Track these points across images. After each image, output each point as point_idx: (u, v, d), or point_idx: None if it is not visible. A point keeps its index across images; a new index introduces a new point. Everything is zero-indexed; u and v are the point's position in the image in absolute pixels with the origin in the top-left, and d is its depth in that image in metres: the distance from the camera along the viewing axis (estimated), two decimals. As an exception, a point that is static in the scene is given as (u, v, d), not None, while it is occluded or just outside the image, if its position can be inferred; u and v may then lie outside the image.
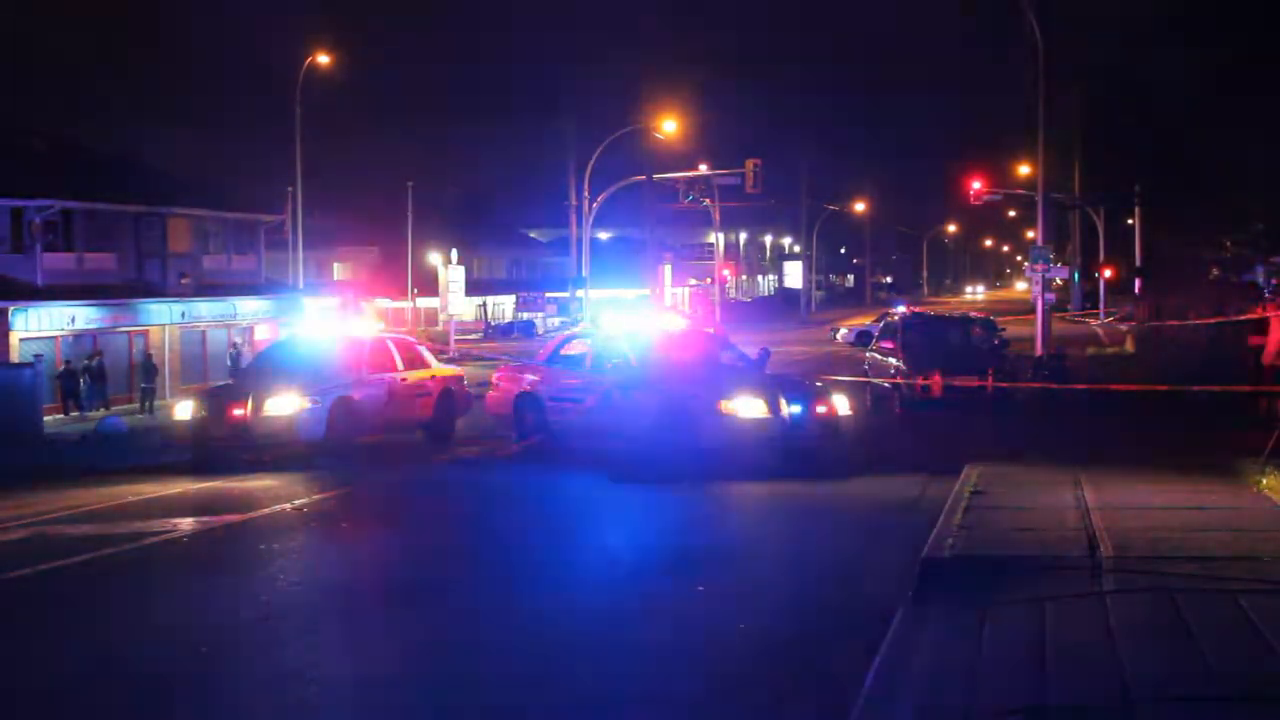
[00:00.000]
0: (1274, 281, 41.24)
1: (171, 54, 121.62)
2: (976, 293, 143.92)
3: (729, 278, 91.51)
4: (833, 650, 7.83)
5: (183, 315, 43.08)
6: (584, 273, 51.37)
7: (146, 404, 38.39)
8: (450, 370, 23.12)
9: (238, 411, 18.58)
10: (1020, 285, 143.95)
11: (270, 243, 50.77)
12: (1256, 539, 9.50)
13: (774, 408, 16.39)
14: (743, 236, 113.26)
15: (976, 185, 61.69)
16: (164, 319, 42.20)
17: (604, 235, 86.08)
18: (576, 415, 18.29)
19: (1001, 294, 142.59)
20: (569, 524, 13.19)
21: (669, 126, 50.59)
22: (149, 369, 39.41)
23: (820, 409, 16.91)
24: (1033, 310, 34.01)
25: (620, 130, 51.79)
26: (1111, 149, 41.25)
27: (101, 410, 36.23)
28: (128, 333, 40.98)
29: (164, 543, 12.17)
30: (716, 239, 79.10)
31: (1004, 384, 23.11)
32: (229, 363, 41.96)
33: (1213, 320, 24.53)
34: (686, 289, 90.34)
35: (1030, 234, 75.08)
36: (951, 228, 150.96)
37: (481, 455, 19.39)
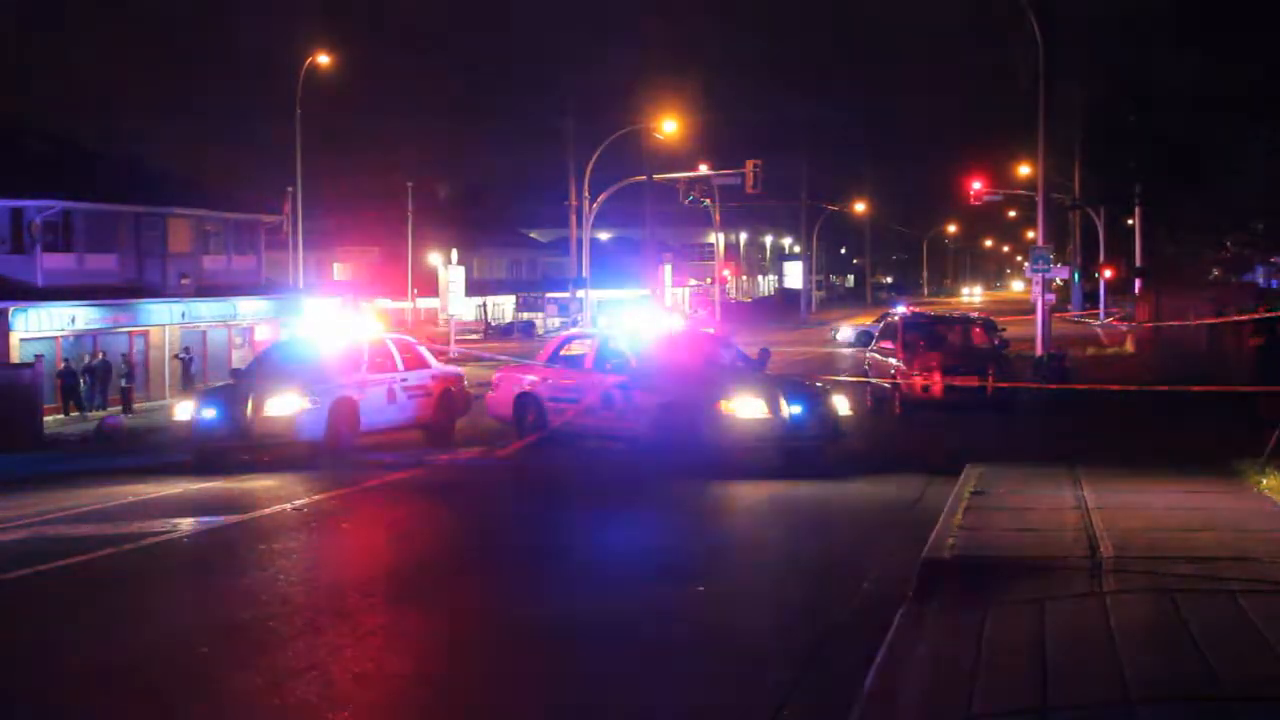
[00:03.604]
0: (1274, 282, 41.24)
1: (172, 55, 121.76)
2: (973, 294, 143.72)
3: (729, 278, 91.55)
4: (833, 650, 7.84)
5: (183, 315, 43.07)
6: (584, 273, 51.38)
7: (127, 404, 38.31)
8: (450, 370, 23.12)
9: (238, 411, 18.58)
10: (1018, 285, 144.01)
11: (270, 243, 50.78)
12: (1256, 539, 9.50)
13: (774, 408, 16.39)
14: (743, 236, 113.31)
15: (976, 185, 61.78)
16: (164, 319, 42.20)
17: (604, 235, 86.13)
18: (576, 415, 18.29)
19: (1000, 295, 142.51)
20: (568, 524, 13.18)
21: (669, 126, 50.62)
22: (124, 369, 39.31)
23: (820, 409, 16.91)
24: (1032, 310, 34.01)
25: (620, 130, 51.81)
26: (1111, 149, 41.20)
27: (101, 410, 36.23)
28: (128, 333, 40.98)
29: (164, 543, 12.17)
30: (716, 239, 79.11)
31: (1004, 384, 23.10)
32: (179, 358, 41.62)
33: (1213, 320, 24.54)
34: (686, 289, 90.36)
35: (1030, 234, 75.12)
36: (951, 228, 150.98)
37: (481, 455, 19.39)
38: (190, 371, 40.83)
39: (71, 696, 7.39)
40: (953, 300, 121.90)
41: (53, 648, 8.47)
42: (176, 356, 41.63)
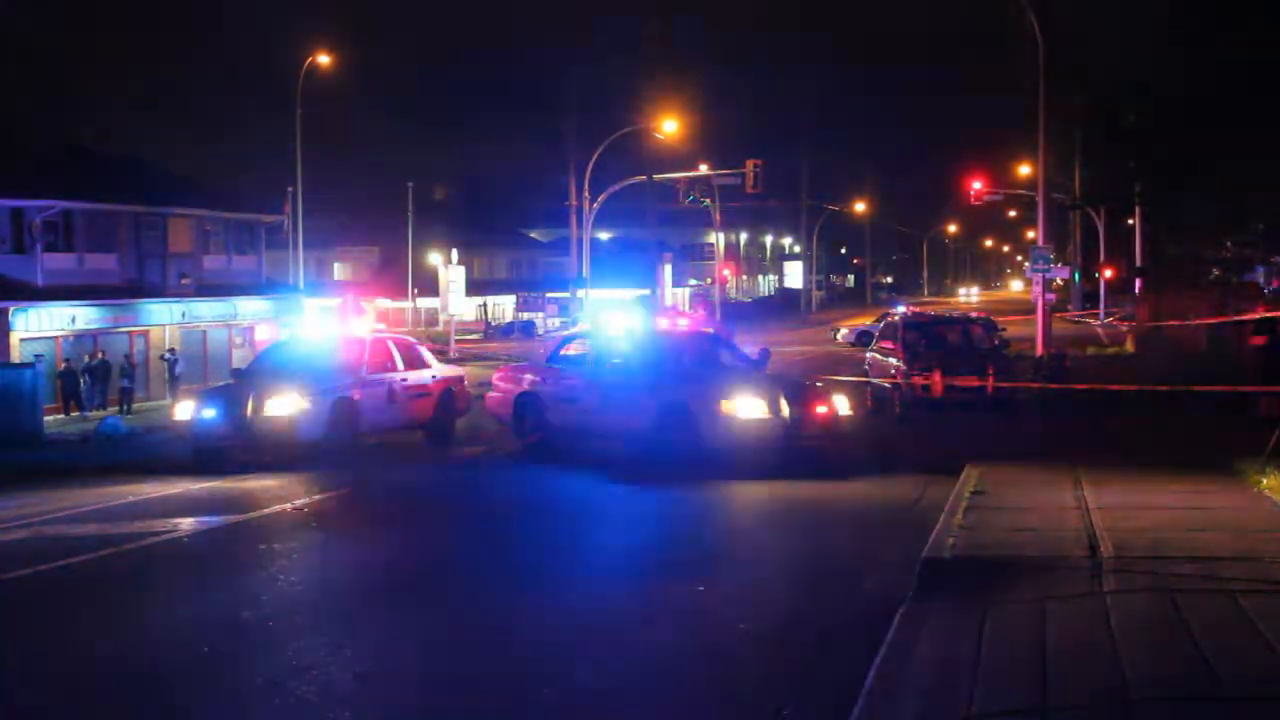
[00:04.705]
0: (1274, 283, 41.26)
1: (172, 54, 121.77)
2: (970, 294, 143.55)
3: (729, 278, 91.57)
4: (833, 650, 7.84)
5: (183, 315, 43.06)
6: (584, 273, 51.38)
7: (126, 404, 38.29)
8: (450, 370, 23.11)
9: (238, 411, 18.58)
10: (1017, 285, 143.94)
11: (270, 243, 50.82)
12: (1256, 539, 9.50)
13: (774, 408, 16.38)
14: (743, 236, 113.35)
15: (977, 185, 61.79)
16: (164, 319, 42.19)
17: (604, 235, 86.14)
18: (576, 415, 18.29)
19: (997, 294, 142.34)
20: (569, 524, 13.18)
21: (669, 126, 50.62)
22: (126, 369, 39.29)
23: (820, 409, 16.91)
24: (1032, 310, 34.00)
25: (620, 130, 51.83)
26: (1111, 149, 41.22)
27: (101, 410, 36.23)
28: (128, 333, 40.98)
29: (164, 543, 12.17)
30: (716, 239, 79.13)
31: (1004, 384, 23.09)
32: (164, 359, 41.49)
33: (1213, 320, 24.52)
34: (686, 289, 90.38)
35: (1030, 234, 75.13)
36: (952, 228, 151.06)
37: (481, 455, 19.38)
38: (176, 372, 40.66)
39: (72, 696, 7.39)
40: (952, 300, 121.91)
41: (53, 647, 8.47)
42: (162, 357, 41.43)
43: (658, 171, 54.46)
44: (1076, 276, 70.75)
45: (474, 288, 65.96)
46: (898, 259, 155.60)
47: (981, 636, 7.22)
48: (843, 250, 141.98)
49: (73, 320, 38.72)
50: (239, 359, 39.29)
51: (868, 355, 28.39)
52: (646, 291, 63.88)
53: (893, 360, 25.03)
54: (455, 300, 52.81)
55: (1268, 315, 20.58)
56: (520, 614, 9.01)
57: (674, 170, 55.08)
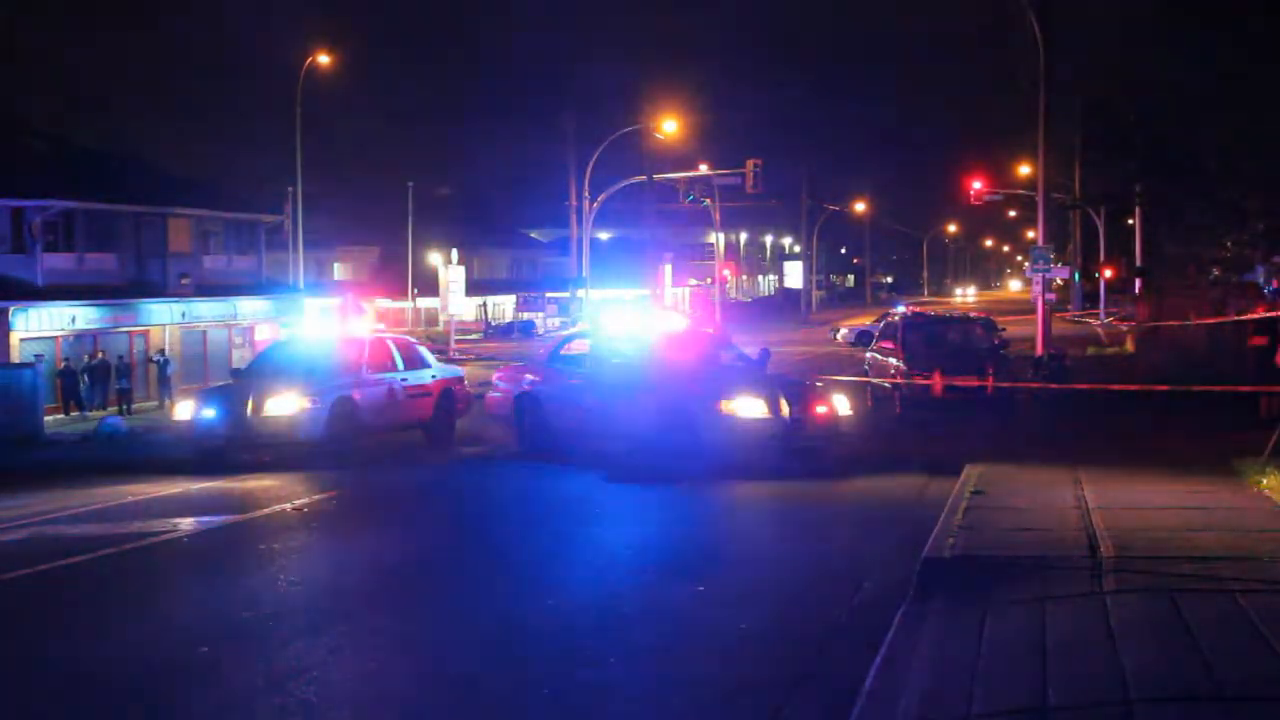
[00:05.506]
0: (1275, 283, 41.24)
1: (172, 54, 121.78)
2: (967, 294, 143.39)
3: (729, 278, 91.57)
4: (833, 650, 7.84)
5: (183, 315, 43.05)
6: (584, 273, 51.39)
7: (125, 405, 38.26)
8: (450, 370, 23.12)
9: (238, 411, 18.58)
10: (1016, 285, 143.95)
11: (270, 243, 50.80)
12: (1256, 539, 9.50)
13: (774, 408, 16.38)
14: (743, 236, 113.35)
15: (977, 185, 61.80)
16: (164, 319, 42.18)
17: (604, 235, 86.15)
18: (576, 415, 18.28)
19: (995, 294, 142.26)
20: (568, 524, 13.18)
21: (669, 126, 50.65)
22: (124, 369, 39.25)
23: (820, 409, 16.90)
24: (1032, 310, 34.01)
25: (620, 130, 51.85)
26: (1111, 149, 41.25)
27: (101, 410, 36.22)
28: (128, 333, 40.97)
29: (164, 543, 12.16)
30: (716, 239, 79.10)
31: (1004, 384, 23.09)
32: (154, 361, 41.36)
33: (1213, 320, 24.53)
34: (686, 289, 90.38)
35: (1030, 234, 75.16)
36: (952, 228, 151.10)
37: (481, 455, 19.38)
38: (167, 374, 40.60)
39: (71, 697, 7.39)
40: (951, 300, 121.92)
41: (52, 647, 8.47)
42: (152, 360, 41.33)
43: (658, 171, 54.51)
44: (1076, 276, 70.76)
45: (474, 288, 65.95)
46: (898, 259, 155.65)
47: (981, 636, 7.22)
48: (843, 250, 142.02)
49: (73, 320, 38.72)
50: (239, 359, 39.24)
51: (868, 355, 28.40)
52: (646, 291, 63.88)
53: (893, 360, 25.03)
54: (455, 300, 52.81)
55: (1268, 315, 20.57)
56: (520, 613, 9.01)
57: (674, 170, 55.12)
